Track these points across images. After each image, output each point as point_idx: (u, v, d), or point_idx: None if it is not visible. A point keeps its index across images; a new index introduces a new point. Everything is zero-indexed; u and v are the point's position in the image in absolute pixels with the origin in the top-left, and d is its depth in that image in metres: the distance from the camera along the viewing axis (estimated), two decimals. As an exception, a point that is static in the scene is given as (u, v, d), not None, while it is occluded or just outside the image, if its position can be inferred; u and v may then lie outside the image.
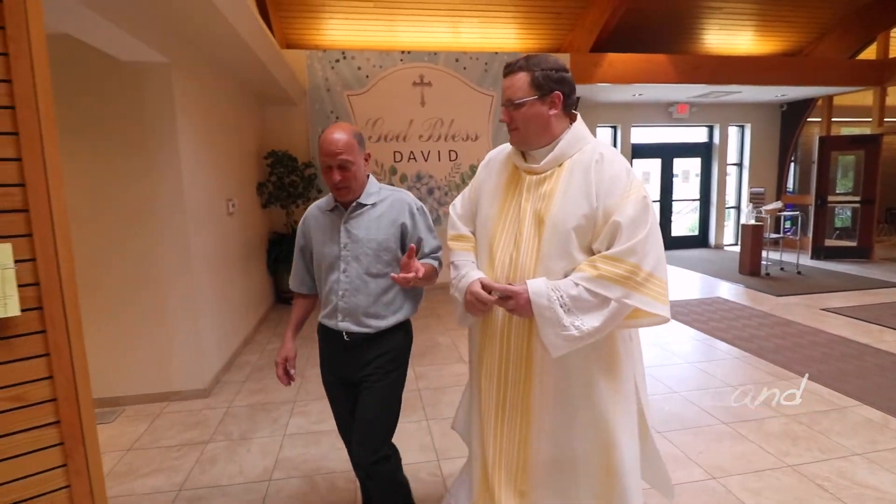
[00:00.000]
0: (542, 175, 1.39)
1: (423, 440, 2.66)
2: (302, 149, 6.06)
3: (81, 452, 1.35)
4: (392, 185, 6.67)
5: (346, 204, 1.67)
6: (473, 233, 1.56)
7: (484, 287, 1.39)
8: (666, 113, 8.68)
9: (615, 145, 8.83)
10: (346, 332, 1.66)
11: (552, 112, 1.35)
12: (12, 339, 1.23)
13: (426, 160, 6.41)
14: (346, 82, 6.08)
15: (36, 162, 1.24)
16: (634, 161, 8.83)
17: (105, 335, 3.09)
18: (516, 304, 1.30)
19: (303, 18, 6.00)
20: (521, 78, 1.34)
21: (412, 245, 1.52)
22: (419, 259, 1.68)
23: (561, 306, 1.27)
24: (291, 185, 5.75)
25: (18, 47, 1.20)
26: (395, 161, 6.32)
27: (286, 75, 4.95)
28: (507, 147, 1.53)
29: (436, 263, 1.70)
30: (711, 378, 3.40)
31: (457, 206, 1.64)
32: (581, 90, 7.16)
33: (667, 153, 9.09)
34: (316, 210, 1.76)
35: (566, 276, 1.32)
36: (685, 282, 6.59)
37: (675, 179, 9.25)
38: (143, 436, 2.78)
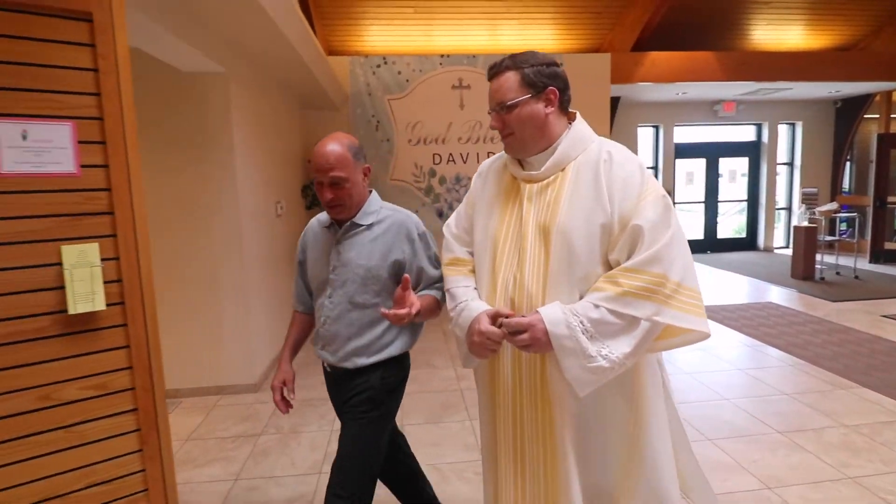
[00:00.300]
0: (545, 182, 1.23)
1: (466, 440, 2.69)
2: (344, 153, 6.20)
3: (155, 438, 1.45)
4: (431, 187, 6.74)
5: (342, 222, 1.52)
6: (472, 253, 1.39)
7: (492, 320, 1.18)
8: (711, 111, 8.42)
9: (657, 145, 8.63)
10: (327, 364, 1.55)
11: (549, 110, 1.21)
12: (98, 332, 1.34)
13: (465, 162, 6.45)
14: (387, 87, 6.19)
15: (121, 169, 1.34)
16: (677, 161, 8.60)
17: (164, 331, 3.26)
18: (531, 337, 1.10)
19: (345, 25, 6.15)
20: (510, 77, 1.20)
21: (406, 276, 1.32)
22: (419, 290, 1.51)
23: (583, 333, 1.09)
24: (334, 188, 5.89)
25: (107, 64, 1.31)
26: (434, 163, 6.38)
27: (330, 81, 5.09)
28: (502, 155, 1.37)
29: (438, 295, 1.49)
30: (763, 385, 3.29)
31: (451, 226, 1.45)
32: (621, 90, 7.04)
33: (712, 153, 8.82)
34: (316, 224, 1.62)
35: (581, 296, 1.15)
36: (733, 285, 6.37)
37: (720, 180, 8.95)
38: (199, 427, 2.92)
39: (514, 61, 1.21)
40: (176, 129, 3.16)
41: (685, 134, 8.71)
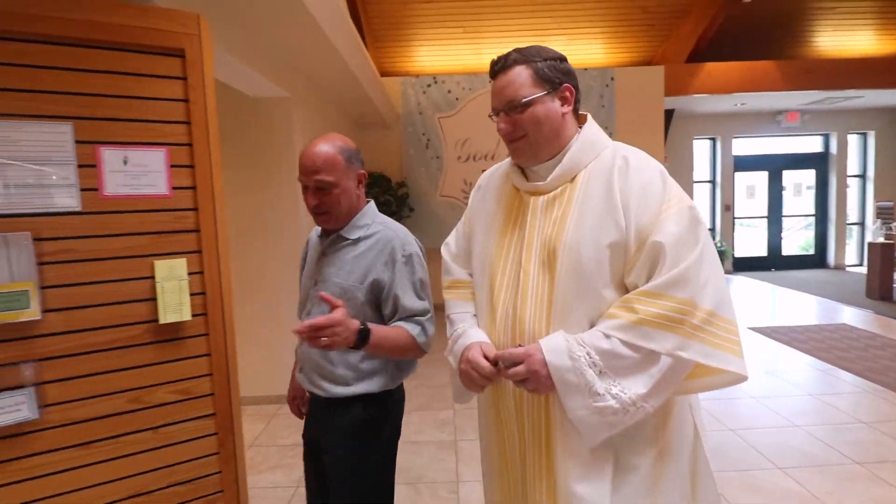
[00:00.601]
0: (551, 195, 1.06)
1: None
2: (395, 169, 6.38)
3: (231, 442, 1.54)
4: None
5: (331, 233, 1.39)
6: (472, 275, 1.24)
7: (486, 355, 1.03)
8: (773, 122, 8.06)
9: (714, 158, 8.33)
10: (305, 389, 1.42)
11: (565, 110, 1.05)
12: (183, 340, 1.45)
13: (514, 178, 6.47)
14: (437, 105, 6.33)
15: (206, 190, 1.46)
16: (737, 175, 8.26)
17: (229, 341, 3.45)
18: (528, 370, 0.94)
19: (396, 48, 6.37)
20: (521, 72, 1.03)
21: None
22: (392, 321, 1.32)
23: (590, 366, 0.93)
24: (385, 203, 6.05)
25: (196, 94, 1.43)
26: (483, 180, 6.45)
27: (383, 102, 5.28)
28: (502, 165, 1.22)
29: (414, 330, 1.28)
30: (838, 412, 3.07)
31: (450, 245, 1.30)
32: (675, 102, 6.88)
33: (775, 165, 8.42)
34: (313, 232, 1.52)
35: (591, 326, 0.98)
36: (801, 305, 6.01)
37: (784, 193, 8.51)
38: (261, 434, 3.05)
39: (524, 55, 1.05)
40: (243, 151, 3.37)
41: (745, 146, 8.36)
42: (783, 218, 8.56)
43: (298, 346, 1.41)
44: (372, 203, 1.42)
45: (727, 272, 8.18)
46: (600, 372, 0.93)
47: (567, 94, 1.05)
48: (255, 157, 3.38)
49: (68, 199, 1.30)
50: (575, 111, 1.09)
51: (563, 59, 1.07)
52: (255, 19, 2.50)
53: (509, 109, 1.04)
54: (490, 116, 1.10)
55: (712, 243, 0.98)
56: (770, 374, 3.77)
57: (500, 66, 1.06)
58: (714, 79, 6.44)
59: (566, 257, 0.99)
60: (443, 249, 1.30)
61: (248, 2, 2.30)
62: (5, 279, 1.21)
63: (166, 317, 1.38)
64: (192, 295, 1.44)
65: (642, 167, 1.01)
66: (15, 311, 1.21)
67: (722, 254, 7.91)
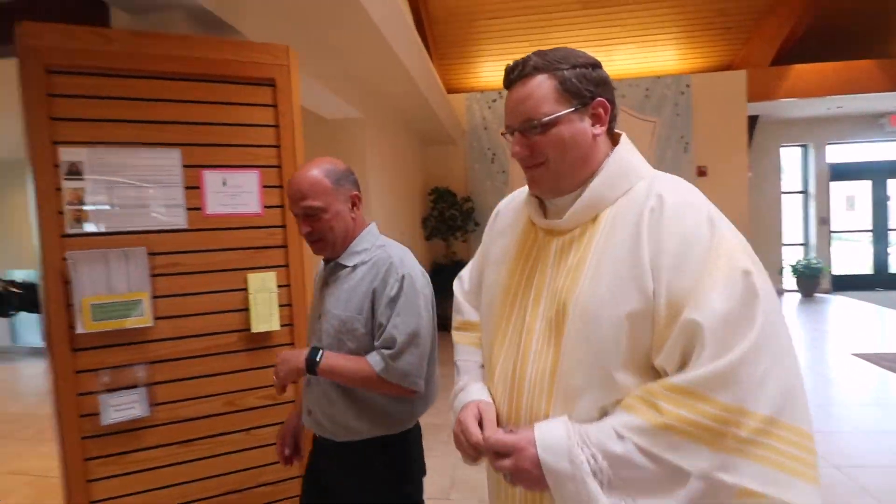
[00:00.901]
0: (569, 236, 0.85)
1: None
2: (460, 184, 6.45)
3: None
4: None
5: (330, 262, 1.28)
6: None
7: (482, 422, 0.85)
8: (875, 126, 7.33)
9: (806, 167, 7.69)
10: (316, 434, 1.27)
11: (597, 131, 0.83)
12: (271, 349, 1.54)
13: (583, 191, 6.34)
14: (503, 120, 6.35)
15: (294, 208, 1.56)
16: (832, 184, 7.56)
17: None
18: (516, 466, 0.76)
19: (461, 64, 6.49)
20: (543, 83, 0.81)
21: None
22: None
23: (594, 474, 0.72)
24: (451, 218, 6.13)
25: (285, 120, 1.55)
26: (550, 193, 6.37)
27: (449, 118, 5.39)
28: (521, 193, 1.01)
29: (378, 366, 1.14)
30: (966, 451, 2.70)
31: (464, 280, 1.13)
32: (760, 108, 6.45)
33: (879, 173, 7.63)
34: (321, 262, 1.40)
35: (603, 413, 0.77)
36: (913, 328, 5.36)
37: (890, 204, 7.69)
38: (334, 442, 3.15)
39: (546, 60, 0.83)
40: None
41: (842, 153, 7.66)
42: (889, 231, 7.71)
43: (304, 384, 1.30)
44: (373, 225, 1.30)
45: (824, 291, 7.46)
46: (608, 482, 0.72)
47: (600, 110, 0.83)
48: (332, 175, 3.57)
49: (177, 218, 1.44)
50: (609, 131, 0.87)
51: (596, 64, 0.86)
52: (334, 46, 2.66)
53: (526, 129, 0.83)
54: (503, 135, 0.89)
55: (780, 321, 0.72)
56: (880, 406, 3.38)
57: (516, 75, 0.84)
58: (805, 81, 5.99)
59: (575, 325, 0.79)
60: (455, 284, 1.13)
61: (329, 30, 2.46)
62: (124, 289, 1.36)
63: (258, 326, 1.48)
64: (280, 306, 1.54)
65: (682, 211, 0.76)
66: (132, 317, 1.36)
67: (818, 271, 7.23)
